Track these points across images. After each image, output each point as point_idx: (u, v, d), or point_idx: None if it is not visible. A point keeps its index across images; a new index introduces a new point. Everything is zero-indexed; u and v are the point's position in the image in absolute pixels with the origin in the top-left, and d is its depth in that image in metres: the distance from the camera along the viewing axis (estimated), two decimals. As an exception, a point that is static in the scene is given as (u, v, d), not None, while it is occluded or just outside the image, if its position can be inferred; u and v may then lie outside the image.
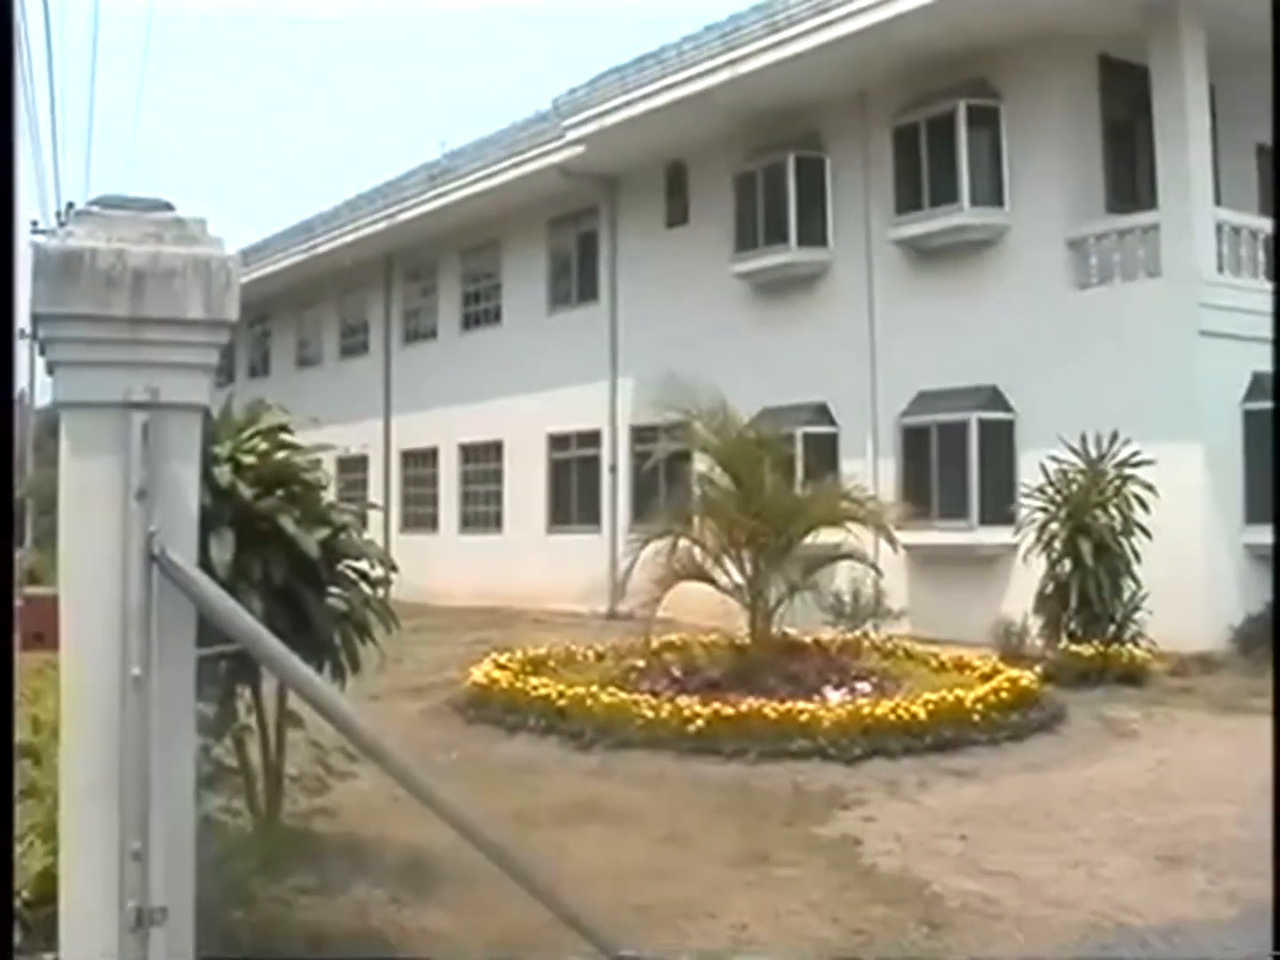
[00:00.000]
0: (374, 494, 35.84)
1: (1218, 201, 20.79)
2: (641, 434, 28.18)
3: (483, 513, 33.97)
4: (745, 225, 26.05)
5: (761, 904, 7.99)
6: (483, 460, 34.02)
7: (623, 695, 13.32)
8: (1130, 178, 21.78)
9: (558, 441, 31.64)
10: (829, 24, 22.04)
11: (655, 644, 16.30)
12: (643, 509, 26.96)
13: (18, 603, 10.15)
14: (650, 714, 12.68)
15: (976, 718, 13.00)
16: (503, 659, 15.72)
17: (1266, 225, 21.10)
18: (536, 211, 31.63)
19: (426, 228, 34.15)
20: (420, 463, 36.46)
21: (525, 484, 32.25)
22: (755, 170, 25.75)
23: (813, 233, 25.11)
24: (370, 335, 39.22)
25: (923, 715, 12.66)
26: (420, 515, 35.76)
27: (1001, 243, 22.31)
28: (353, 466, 36.29)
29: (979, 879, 8.55)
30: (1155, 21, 20.40)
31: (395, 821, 7.76)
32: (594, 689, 13.53)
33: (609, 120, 26.59)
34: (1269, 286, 20.51)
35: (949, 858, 9.12)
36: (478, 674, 14.94)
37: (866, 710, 12.76)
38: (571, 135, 27.67)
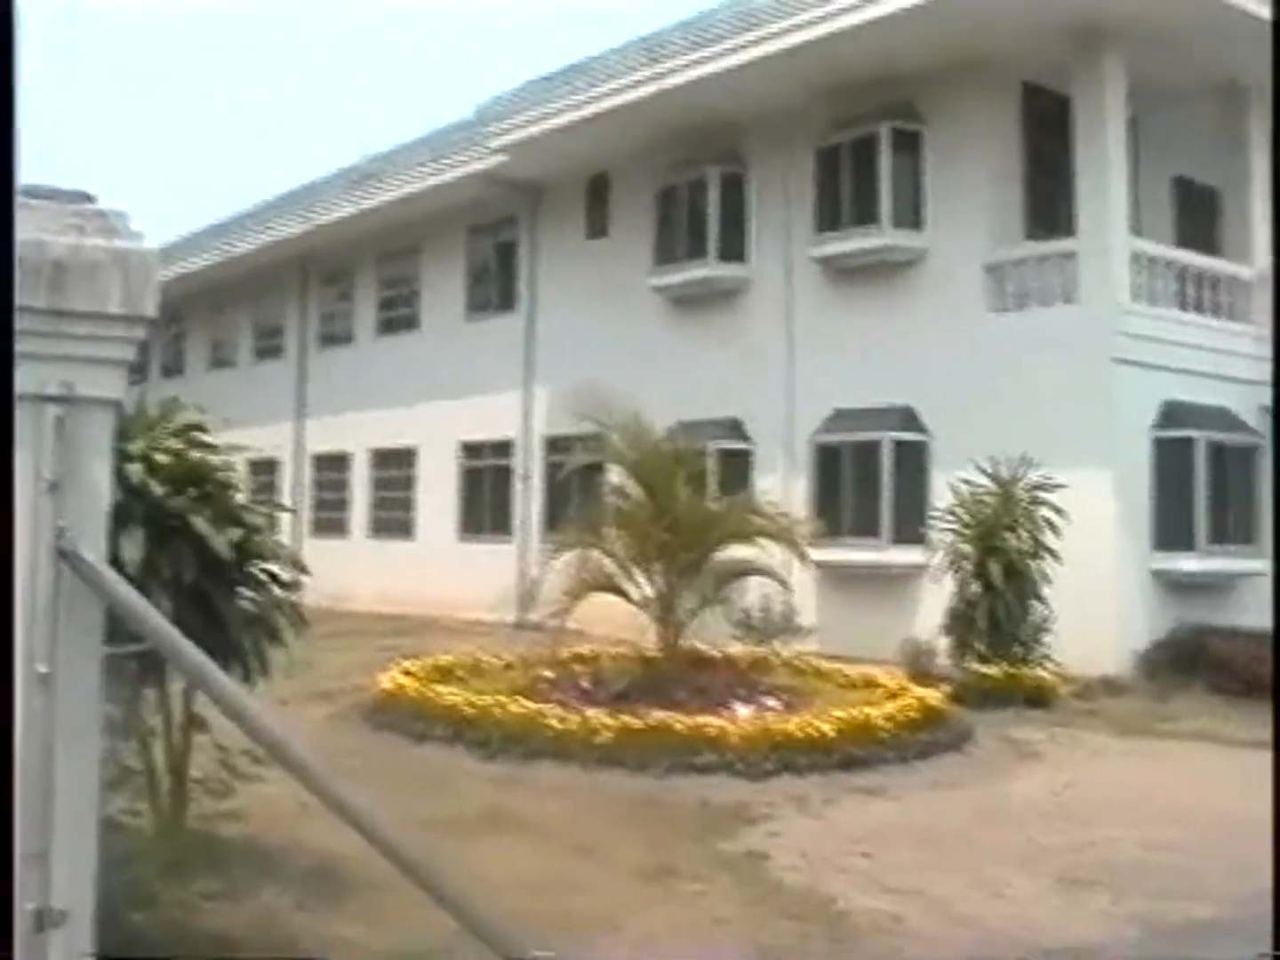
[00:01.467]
0: (285, 498, 35.54)
1: (1135, 231, 20.98)
2: (555, 444, 28.15)
3: (394, 519, 33.78)
4: (666, 239, 26.06)
5: (668, 918, 7.99)
6: (395, 466, 33.84)
7: (531, 705, 13.29)
8: (1050, 205, 21.92)
9: (471, 449, 31.51)
10: (756, 42, 22.09)
11: (564, 655, 16.29)
12: (555, 519, 26.92)
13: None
14: (558, 725, 12.66)
15: (884, 736, 13.10)
16: (411, 666, 15.66)
17: (1181, 256, 21.38)
18: (457, 218, 31.52)
19: (345, 232, 33.96)
20: (332, 467, 36.22)
21: (437, 491, 32.11)
22: (677, 184, 25.77)
23: (733, 248, 25.14)
24: (285, 338, 38.91)
25: (831, 732, 12.72)
26: (331, 520, 35.51)
27: (921, 265, 22.42)
28: (264, 469, 35.99)
29: (885, 896, 8.57)
30: (1079, 52, 20.61)
31: (301, 826, 7.70)
32: (502, 698, 13.50)
33: (532, 130, 26.52)
34: (1183, 316, 20.82)
35: (855, 875, 9.14)
36: (385, 681, 14.88)
37: (775, 726, 12.82)
38: (495, 143, 27.56)
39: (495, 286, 31.46)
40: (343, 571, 28.79)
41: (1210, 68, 21.74)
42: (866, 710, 13.48)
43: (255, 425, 30.26)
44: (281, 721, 4.03)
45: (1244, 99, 22.66)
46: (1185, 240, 22.78)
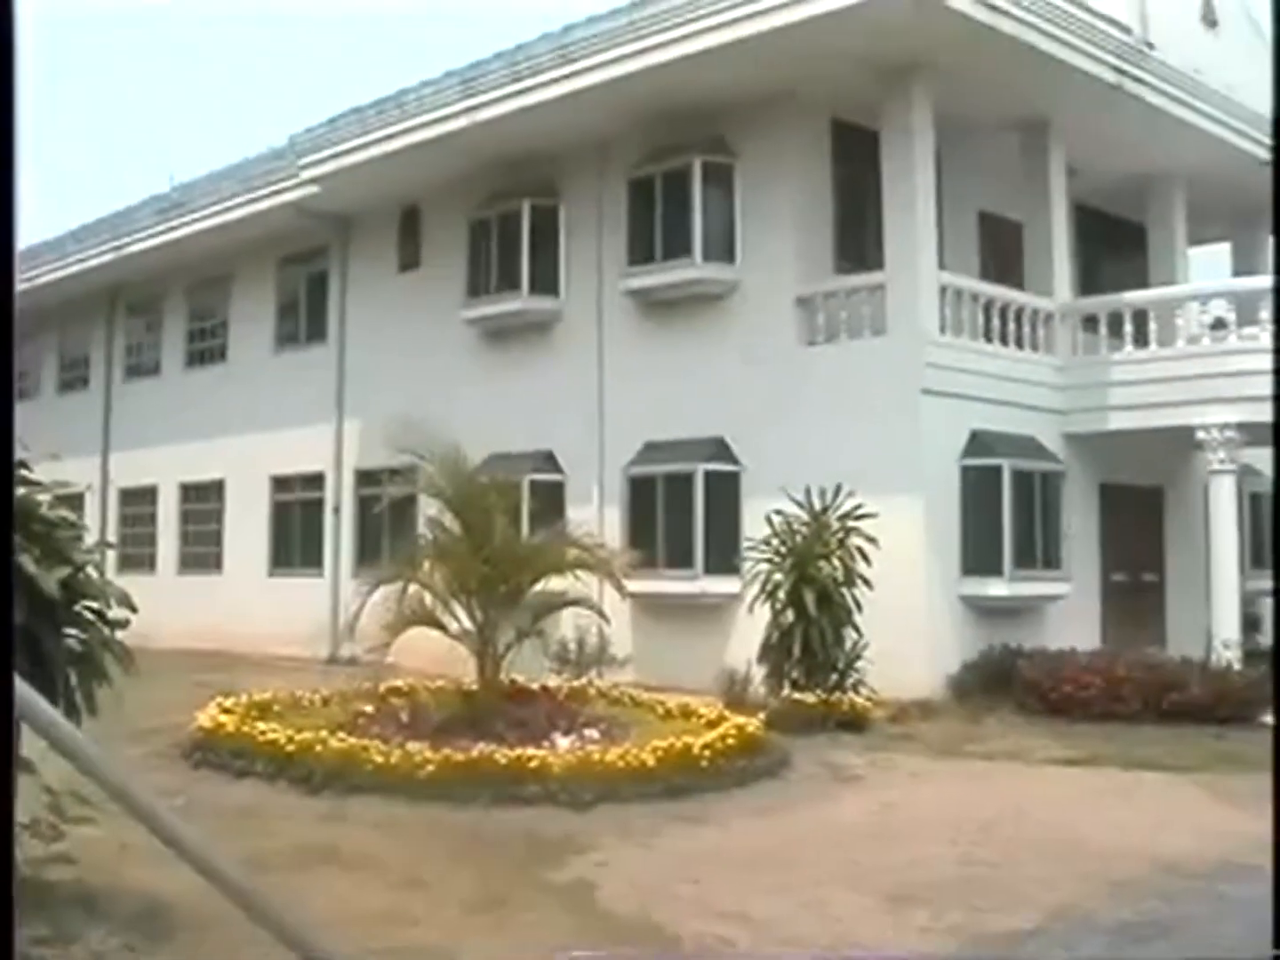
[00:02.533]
0: (91, 533, 34.83)
1: (942, 265, 21.37)
2: (367, 477, 28.03)
3: (203, 554, 33.34)
4: (478, 271, 26.02)
5: (500, 948, 8.02)
6: (204, 500, 33.41)
7: (352, 740, 13.25)
8: (859, 238, 22.32)
9: (281, 483, 31.22)
10: (571, 75, 22.17)
11: (382, 689, 16.24)
12: (367, 553, 26.85)
13: None
14: (380, 759, 12.63)
15: (705, 764, 13.25)
16: (228, 703, 15.47)
17: (987, 289, 21.86)
18: (267, 249, 31.26)
19: (154, 261, 33.46)
20: (139, 501, 35.63)
21: (247, 525, 31.74)
22: (490, 216, 25.75)
23: (545, 281, 25.16)
24: (91, 370, 38.24)
25: (652, 762, 12.85)
26: (138, 555, 34.86)
27: (733, 297, 22.62)
28: (69, 504, 35.30)
29: (714, 920, 8.68)
30: (887, 88, 21.01)
31: (129, 868, 7.62)
32: (323, 734, 13.42)
33: (345, 161, 26.36)
34: (989, 348, 21.30)
35: (683, 900, 9.23)
36: (203, 718, 14.69)
37: (596, 757, 12.93)
38: (306, 174, 27.36)
39: (306, 318, 31.22)
40: (151, 608, 28.20)
41: (1014, 104, 22.35)
42: (686, 739, 13.60)
43: (58, 459, 29.63)
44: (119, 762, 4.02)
45: (1046, 135, 23.32)
46: (990, 273, 23.30)
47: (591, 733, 14.37)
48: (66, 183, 71.29)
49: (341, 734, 13.54)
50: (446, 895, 9.17)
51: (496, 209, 25.61)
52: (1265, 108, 25.18)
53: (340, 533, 29.33)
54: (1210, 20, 25.30)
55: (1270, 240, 29.27)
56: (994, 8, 19.62)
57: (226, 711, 14.95)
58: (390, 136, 25.40)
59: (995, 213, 25.16)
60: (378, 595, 15.33)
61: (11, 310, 3.79)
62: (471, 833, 11.19)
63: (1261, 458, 24.50)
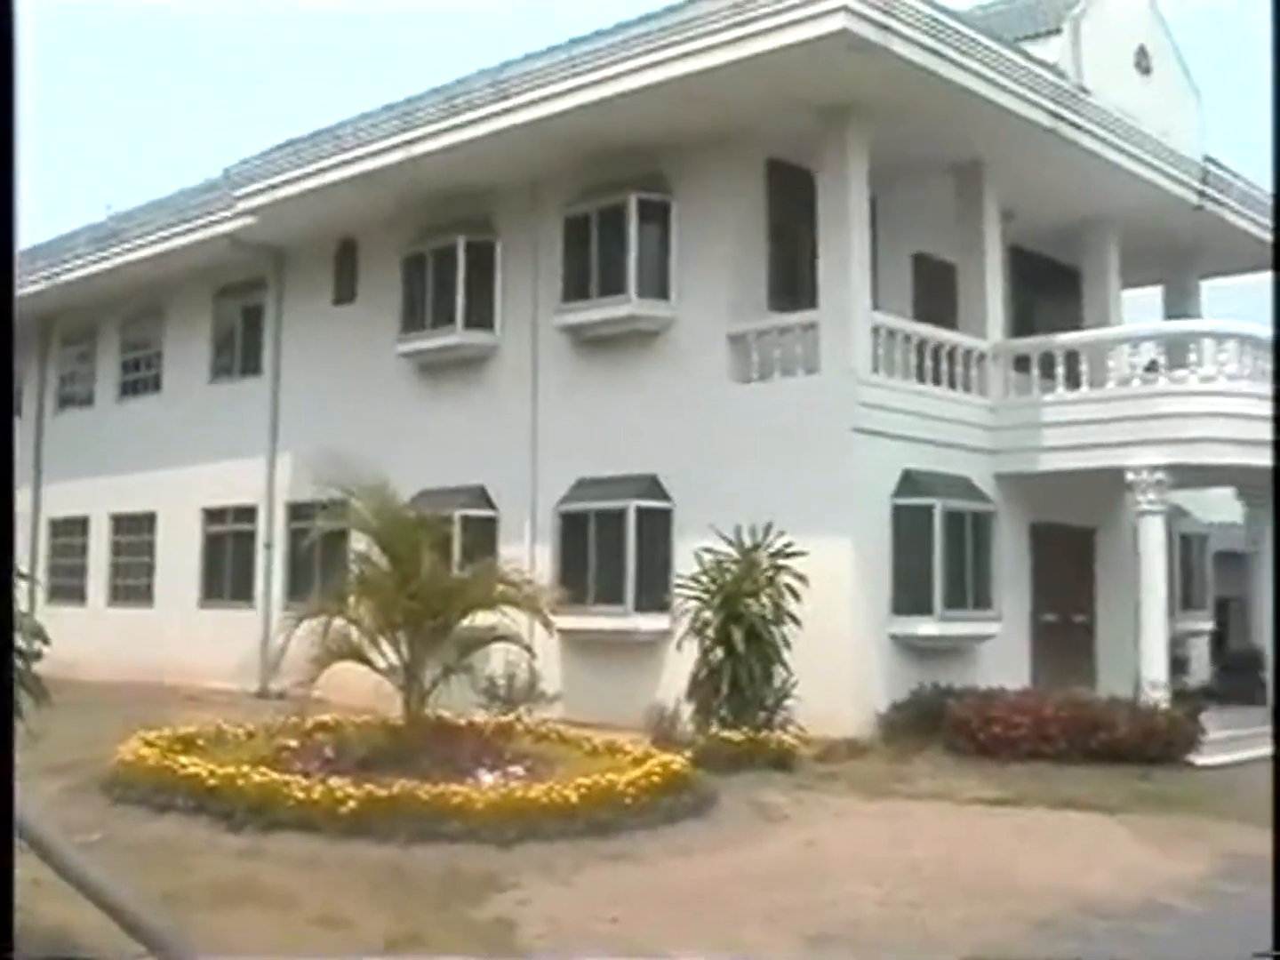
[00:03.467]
0: (20, 564, 34.49)
1: (875, 305, 21.43)
2: (299, 511, 27.82)
3: (134, 586, 33.07)
4: (413, 306, 25.94)
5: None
6: (135, 532, 33.15)
7: (274, 775, 13.12)
8: (794, 277, 22.34)
9: (213, 515, 31.04)
10: (507, 111, 22.13)
11: (308, 724, 16.12)
12: (298, 587, 26.71)
13: None
14: (302, 795, 12.51)
15: (629, 801, 13.17)
16: (151, 737, 15.30)
17: (920, 329, 21.94)
18: (202, 281, 31.15)
19: (88, 291, 33.28)
20: (70, 532, 35.35)
21: (179, 558, 31.51)
22: (425, 251, 25.70)
23: (480, 316, 25.09)
24: (23, 399, 37.87)
25: (576, 799, 12.78)
26: (69, 587, 34.59)
27: (667, 334, 22.63)
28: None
29: (632, 960, 8.65)
30: (823, 128, 21.08)
31: (42, 903, 7.51)
32: (245, 768, 13.29)
33: (281, 193, 26.26)
34: (921, 388, 21.38)
35: (604, 940, 9.20)
36: (125, 752, 14.54)
37: (520, 793, 12.88)
38: (242, 206, 27.26)
39: (241, 350, 31.10)
40: (80, 640, 28.10)
41: (949, 147, 22.49)
42: (611, 776, 13.54)
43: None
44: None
45: (981, 177, 23.45)
46: (924, 314, 23.37)
47: (517, 769, 14.29)
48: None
49: (264, 769, 13.40)
50: (364, 932, 9.11)
51: (432, 244, 25.57)
52: (1197, 153, 25.55)
53: (272, 566, 29.17)
54: (1144, 66, 25.54)
55: (1200, 284, 29.61)
56: (931, 51, 19.73)
57: (149, 745, 14.79)
58: (326, 169, 25.33)
59: (930, 254, 25.31)
60: (307, 629, 15.21)
61: (11, 311, 3.76)
62: (392, 869, 11.11)
63: (1190, 499, 24.75)
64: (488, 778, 13.76)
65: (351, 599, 15.65)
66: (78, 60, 79.95)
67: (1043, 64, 22.16)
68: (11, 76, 3.73)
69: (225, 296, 31.62)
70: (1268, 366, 21.75)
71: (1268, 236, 28.64)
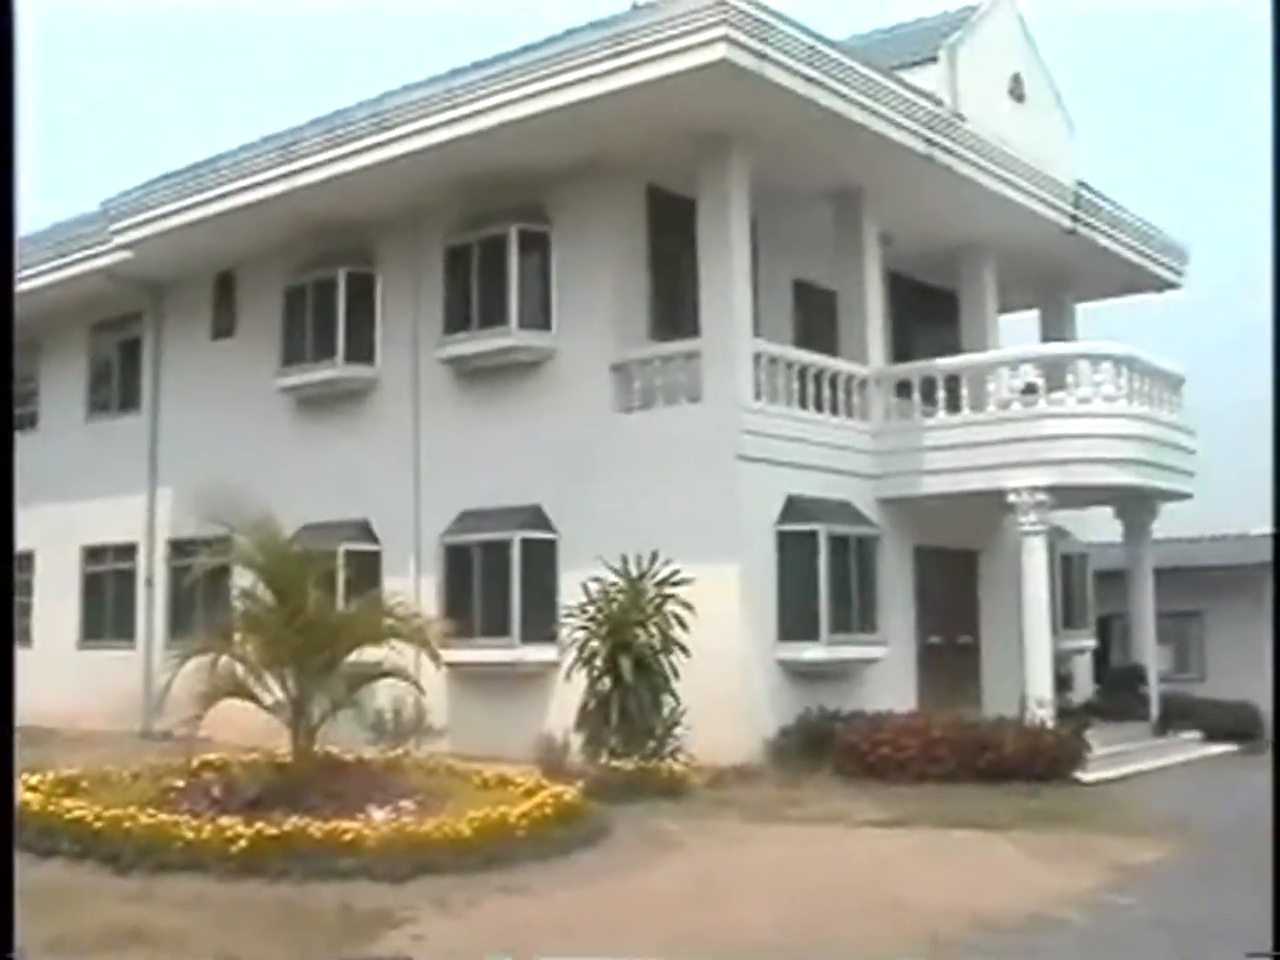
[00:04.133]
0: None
1: (757, 332, 21.56)
2: (180, 548, 27.51)
3: (10, 626, 32.51)
4: (293, 339, 25.77)
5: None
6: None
7: (162, 816, 12.91)
8: (675, 305, 22.38)
9: (93, 554, 30.64)
10: (388, 142, 22.09)
11: (194, 763, 15.90)
12: (180, 625, 26.37)
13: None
14: (191, 835, 12.33)
15: (522, 834, 13.13)
16: (33, 780, 15.03)
17: (802, 356, 22.07)
18: (79, 315, 30.76)
19: (-44, 328, 32.78)
20: (-58, 573, 34.74)
21: (57, 596, 31.01)
22: (305, 284, 25.53)
23: (361, 349, 24.97)
24: (-111, 440, 37.26)
25: (469, 832, 12.72)
26: (-59, 630, 33.95)
27: (549, 365, 22.63)
28: None
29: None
30: (703, 156, 21.19)
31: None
32: (132, 810, 13.09)
33: (159, 226, 25.94)
34: (803, 414, 21.50)
35: (500, 973, 9.14)
36: (6, 796, 14.27)
37: (412, 828, 12.78)
38: (119, 239, 26.94)
39: (119, 385, 30.76)
40: (-45, 683, 27.57)
41: (828, 174, 22.70)
42: (503, 809, 13.48)
43: None
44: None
45: (859, 204, 23.67)
46: (805, 341, 23.54)
47: (408, 804, 14.13)
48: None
49: (151, 810, 13.19)
50: (257, 973, 8.98)
51: (312, 276, 25.42)
52: (1070, 178, 25.93)
53: (153, 604, 28.83)
54: (1018, 94, 25.90)
55: (1074, 308, 30.04)
56: (809, 79, 19.90)
57: (32, 789, 14.49)
58: (206, 202, 25.09)
59: (810, 281, 25.49)
60: (191, 667, 15.02)
61: (11, 313, 3.70)
62: (285, 908, 10.97)
63: (1070, 519, 25.04)
64: (379, 813, 13.61)
65: (238, 635, 15.49)
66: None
67: (919, 92, 22.40)
68: (11, 76, 3.68)
69: (102, 331, 31.26)
70: (1143, 387, 22.12)
71: (1137, 260, 29.21)
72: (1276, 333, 4.57)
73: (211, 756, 16.44)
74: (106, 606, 30.23)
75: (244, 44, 77.80)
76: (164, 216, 25.85)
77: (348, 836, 12.31)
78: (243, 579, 17.00)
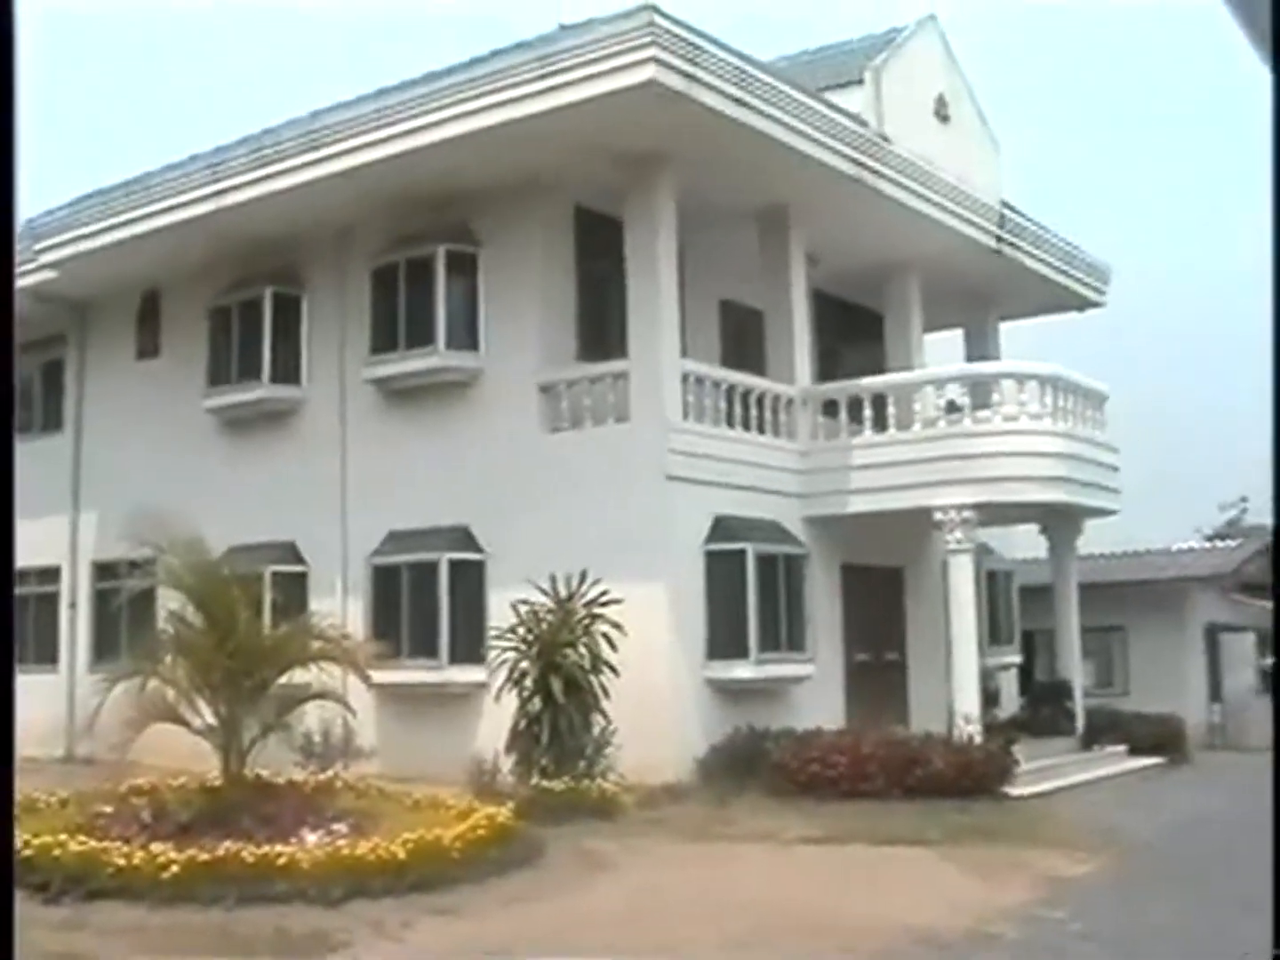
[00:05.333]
0: None
1: (685, 352, 21.62)
2: (105, 570, 27.32)
3: (-71, 652, 32.16)
4: (218, 359, 25.63)
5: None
6: (-70, 597, 32.26)
7: (92, 843, 12.78)
8: (603, 325, 22.46)
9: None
10: (316, 162, 22.06)
11: (123, 789, 15.78)
12: (105, 648, 26.14)
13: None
14: (122, 862, 12.22)
15: (456, 855, 13.14)
16: (-44, 808, 14.85)
17: (729, 376, 22.13)
18: None
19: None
20: None
21: (-23, 621, 30.69)
22: (231, 304, 25.42)
23: (287, 369, 24.90)
24: None
25: (402, 855, 12.68)
26: None
27: (477, 385, 22.60)
28: None
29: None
30: (630, 177, 21.28)
31: None
32: (61, 837, 12.94)
33: (84, 246, 25.76)
34: (731, 434, 21.56)
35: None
36: (-71, 825, 14.08)
37: (345, 851, 12.71)
38: (44, 259, 26.67)
39: (41, 406, 30.46)
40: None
41: (755, 194, 22.79)
42: (437, 831, 13.46)
43: None
44: None
45: (786, 224, 23.77)
46: (733, 361, 23.62)
47: (340, 827, 14.08)
48: None
49: (81, 837, 13.05)
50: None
51: (238, 296, 25.31)
52: (994, 198, 26.16)
53: (77, 627, 28.59)
54: (943, 115, 26.11)
55: (999, 326, 30.28)
56: (737, 100, 19.99)
57: (-45, 817, 14.34)
58: (132, 221, 24.91)
59: (737, 301, 25.59)
60: (118, 691, 14.91)
61: (11, 313, 3.66)
62: (220, 933, 10.90)
63: (996, 535, 25.23)
64: (311, 837, 13.54)
65: (168, 659, 15.38)
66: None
67: (845, 113, 22.57)
68: (11, 75, 3.65)
69: (23, 352, 30.87)
70: (1067, 405, 22.32)
71: (1060, 279, 29.50)
72: (1277, 333, 4.62)
73: (140, 781, 16.30)
74: (28, 630, 29.85)
75: (194, 52, 77.63)
76: (89, 236, 25.65)
77: (281, 860, 12.26)
78: (170, 601, 16.84)
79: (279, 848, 12.58)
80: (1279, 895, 5.23)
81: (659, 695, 19.75)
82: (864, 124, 23.04)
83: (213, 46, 79.30)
